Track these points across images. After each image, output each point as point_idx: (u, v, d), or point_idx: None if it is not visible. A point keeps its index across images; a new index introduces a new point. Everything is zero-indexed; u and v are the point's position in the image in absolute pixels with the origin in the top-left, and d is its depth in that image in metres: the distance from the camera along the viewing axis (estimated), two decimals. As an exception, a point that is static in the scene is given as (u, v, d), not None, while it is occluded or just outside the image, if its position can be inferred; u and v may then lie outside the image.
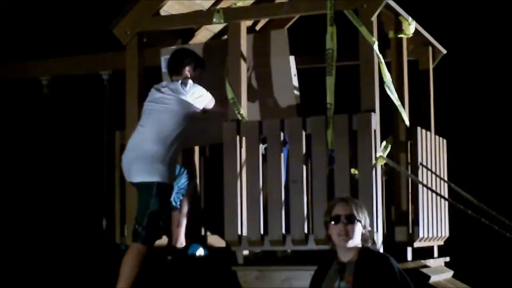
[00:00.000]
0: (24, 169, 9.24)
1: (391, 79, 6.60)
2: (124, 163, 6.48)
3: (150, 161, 6.31)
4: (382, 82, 6.48)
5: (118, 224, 7.23)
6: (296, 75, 7.11)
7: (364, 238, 4.83)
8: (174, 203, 7.07)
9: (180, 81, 6.54)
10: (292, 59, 7.08)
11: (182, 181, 7.08)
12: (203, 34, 7.83)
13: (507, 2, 10.27)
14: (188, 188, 7.16)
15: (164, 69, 7.20)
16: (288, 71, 7.05)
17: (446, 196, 7.49)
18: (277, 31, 7.18)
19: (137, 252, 6.22)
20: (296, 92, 7.07)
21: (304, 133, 6.37)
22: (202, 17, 7.00)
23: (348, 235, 4.75)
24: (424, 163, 7.04)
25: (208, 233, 7.75)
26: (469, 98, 10.38)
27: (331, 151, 6.32)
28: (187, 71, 6.67)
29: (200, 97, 6.54)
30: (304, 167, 6.35)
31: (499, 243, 6.43)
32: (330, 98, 6.33)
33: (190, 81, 6.55)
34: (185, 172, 7.14)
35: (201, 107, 6.57)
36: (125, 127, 7.04)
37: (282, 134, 6.44)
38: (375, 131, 6.26)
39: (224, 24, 6.97)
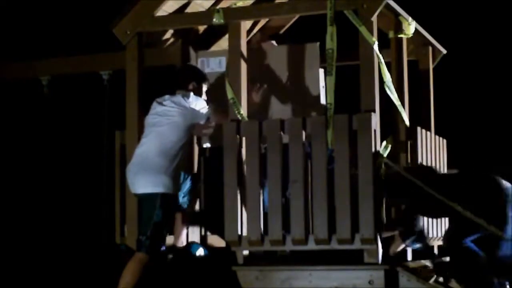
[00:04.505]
0: (24, 169, 9.24)
1: (391, 79, 6.60)
2: (128, 175, 6.59)
3: (154, 173, 6.42)
4: (382, 82, 6.48)
5: (118, 224, 7.22)
6: (324, 87, 7.17)
7: None
8: (184, 206, 7.11)
9: (182, 94, 6.65)
10: (321, 71, 7.11)
11: (186, 187, 7.14)
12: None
13: (507, 2, 10.27)
14: (194, 191, 7.24)
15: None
16: (317, 83, 7.09)
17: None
18: (310, 44, 7.18)
19: (139, 261, 6.32)
20: (323, 103, 7.09)
21: (304, 133, 6.37)
22: (202, 17, 7.00)
23: None
24: (424, 163, 7.04)
25: (208, 233, 7.74)
26: (469, 98, 10.38)
27: (331, 151, 6.32)
28: (191, 86, 6.77)
29: (202, 109, 6.65)
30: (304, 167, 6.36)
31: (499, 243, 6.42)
32: (330, 98, 6.33)
33: (191, 94, 6.67)
34: (189, 178, 7.19)
35: (203, 119, 6.69)
36: (125, 127, 7.05)
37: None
38: (375, 131, 6.26)
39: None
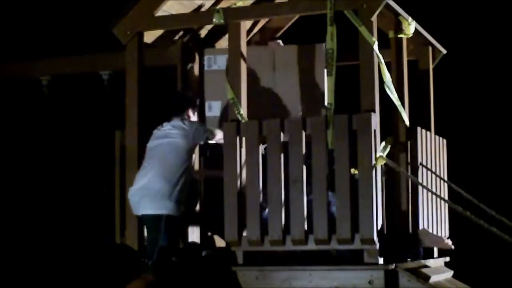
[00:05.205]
0: (24, 169, 9.25)
1: (391, 79, 6.61)
2: (132, 200, 6.66)
3: (158, 198, 6.50)
4: (382, 82, 6.48)
5: (118, 224, 7.22)
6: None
7: None
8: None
9: (180, 118, 6.75)
10: (325, 71, 7.13)
11: None
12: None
13: (507, 2, 10.28)
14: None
15: (206, 67, 7.41)
16: (324, 83, 7.10)
17: (446, 196, 7.50)
18: (319, 44, 7.18)
19: (145, 283, 6.38)
20: (326, 104, 7.11)
21: (304, 133, 6.36)
22: (202, 17, 7.01)
23: None
24: (424, 163, 7.04)
25: (208, 233, 7.74)
26: (469, 98, 10.39)
27: (332, 151, 6.31)
28: (188, 113, 6.91)
29: (202, 131, 6.75)
30: (304, 167, 6.35)
31: (499, 243, 6.44)
32: (330, 98, 6.33)
33: (189, 119, 6.83)
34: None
35: (203, 140, 6.78)
36: (125, 127, 7.05)
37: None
38: (375, 131, 6.25)
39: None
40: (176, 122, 6.73)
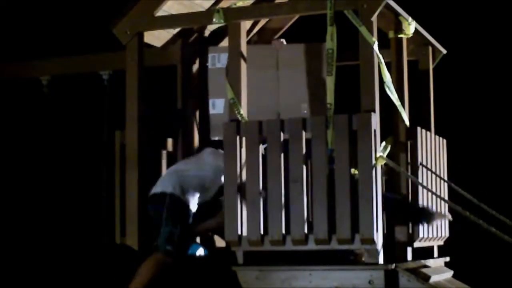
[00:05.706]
0: (24, 169, 9.24)
1: (391, 79, 6.61)
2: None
3: (163, 185, 6.72)
4: (382, 82, 6.49)
5: (118, 224, 7.22)
6: None
7: None
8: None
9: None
10: None
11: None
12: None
13: (507, 2, 10.27)
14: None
15: (210, 65, 7.43)
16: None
17: (446, 196, 7.50)
18: (325, 43, 7.19)
19: (156, 260, 6.49)
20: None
21: (304, 133, 6.36)
22: (202, 17, 7.01)
23: None
24: (424, 163, 7.04)
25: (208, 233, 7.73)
26: (469, 98, 10.38)
27: (331, 151, 6.31)
28: None
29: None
30: (304, 167, 6.35)
31: (499, 243, 6.44)
32: (330, 98, 6.34)
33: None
34: None
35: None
36: (125, 127, 7.05)
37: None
38: (375, 131, 6.26)
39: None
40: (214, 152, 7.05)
